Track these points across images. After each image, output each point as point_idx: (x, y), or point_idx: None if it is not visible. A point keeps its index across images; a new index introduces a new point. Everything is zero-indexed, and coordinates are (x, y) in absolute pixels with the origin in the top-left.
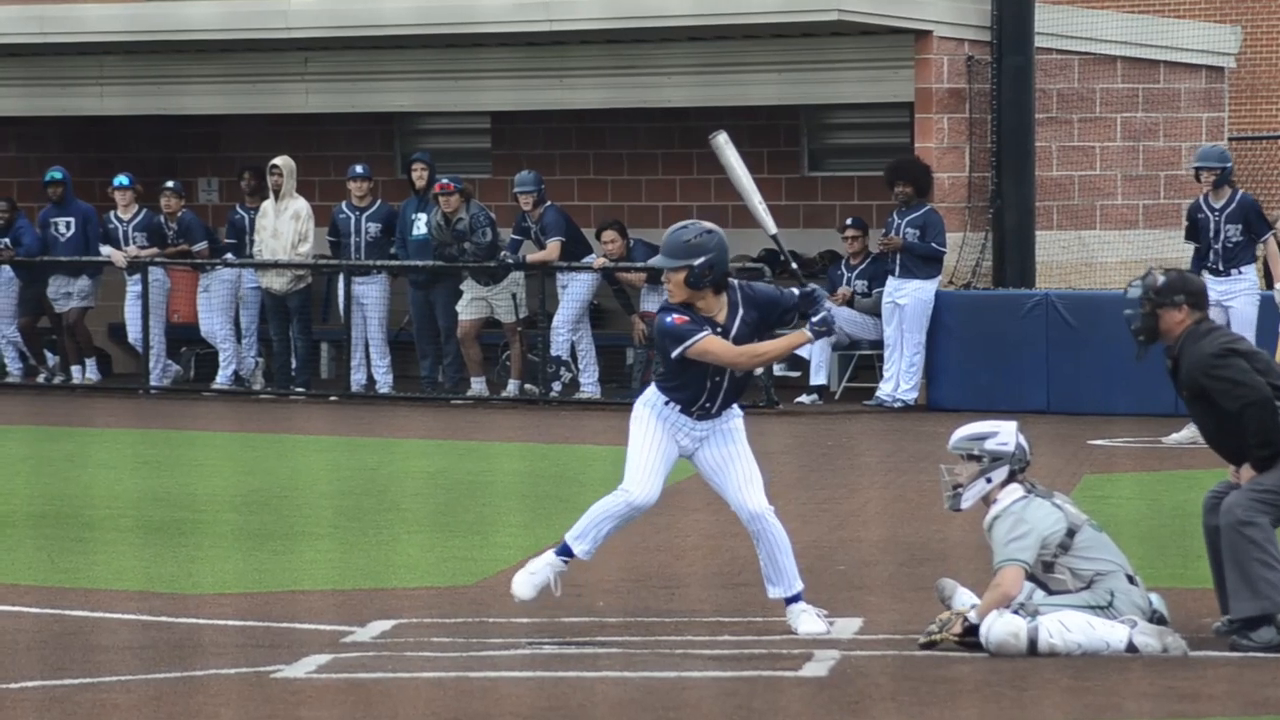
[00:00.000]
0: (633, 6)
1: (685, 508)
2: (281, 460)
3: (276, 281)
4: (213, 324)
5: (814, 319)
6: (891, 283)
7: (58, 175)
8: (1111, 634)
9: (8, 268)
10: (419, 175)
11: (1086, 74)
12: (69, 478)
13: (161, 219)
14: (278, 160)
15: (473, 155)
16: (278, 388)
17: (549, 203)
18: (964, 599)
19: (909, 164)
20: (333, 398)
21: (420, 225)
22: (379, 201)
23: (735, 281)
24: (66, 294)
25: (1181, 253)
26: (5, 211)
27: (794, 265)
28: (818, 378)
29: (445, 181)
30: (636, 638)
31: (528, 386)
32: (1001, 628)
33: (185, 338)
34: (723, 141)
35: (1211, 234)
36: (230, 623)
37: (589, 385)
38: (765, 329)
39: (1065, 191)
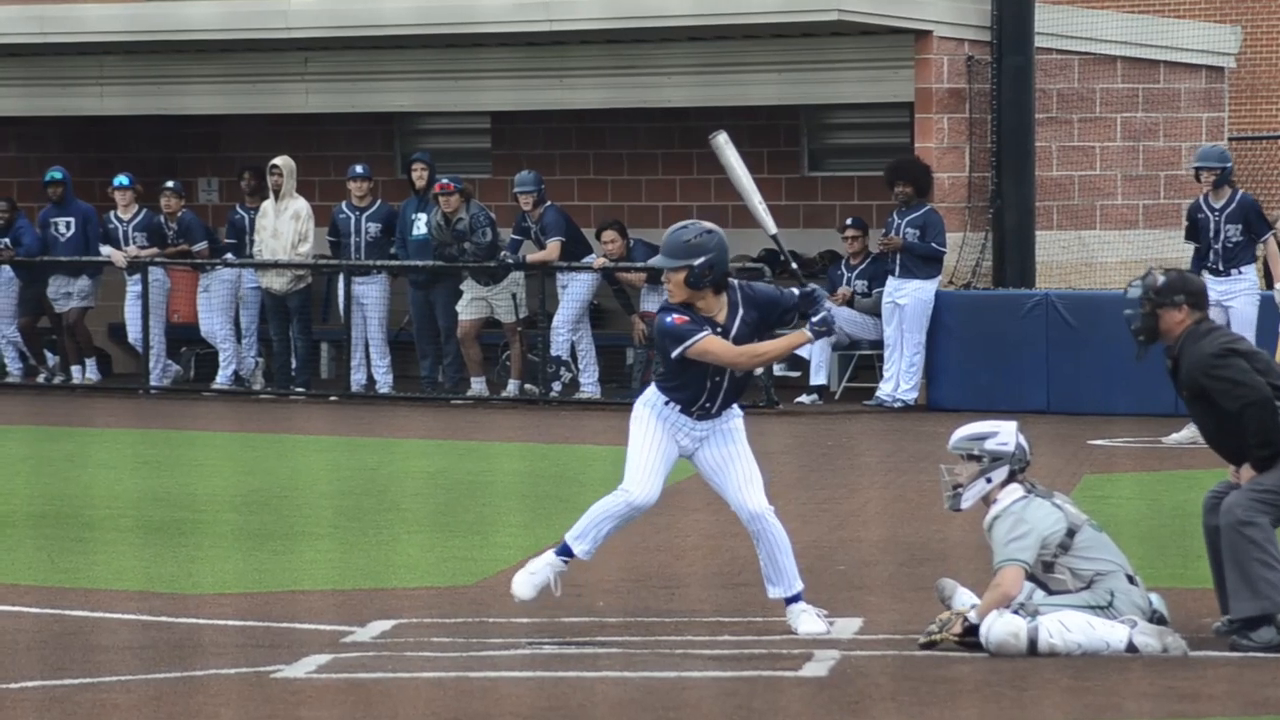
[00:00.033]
0: (633, 6)
1: (685, 508)
2: (281, 460)
3: (276, 281)
4: (213, 324)
5: (814, 319)
6: (891, 283)
7: (58, 175)
8: (1111, 634)
9: (8, 268)
10: (419, 175)
11: (1086, 74)
12: (69, 478)
13: (161, 219)
14: (278, 160)
15: (473, 155)
16: (278, 388)
17: (549, 203)
18: (964, 599)
19: (909, 164)
20: (333, 398)
21: (420, 225)
22: (379, 201)
23: (735, 281)
24: (66, 294)
25: (1181, 253)
26: (5, 211)
27: (794, 265)
28: (818, 378)
29: (445, 181)
30: (636, 638)
31: (528, 386)
32: (1001, 628)
33: (185, 338)
34: (723, 141)
35: (1211, 234)
36: (230, 623)
37: (589, 385)
38: (765, 329)
39: (1065, 191)
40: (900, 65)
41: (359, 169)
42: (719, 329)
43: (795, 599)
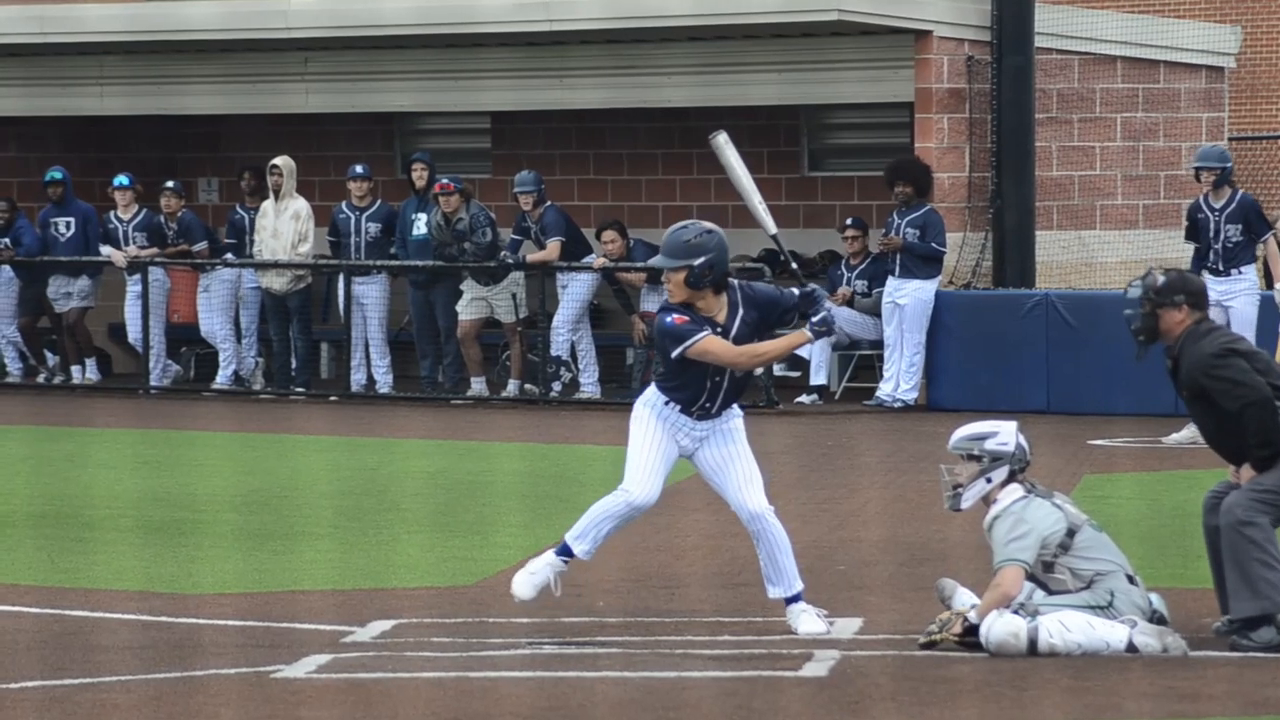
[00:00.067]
0: (633, 6)
1: (685, 508)
2: (281, 460)
3: (276, 281)
4: (213, 324)
5: (814, 319)
6: (891, 283)
7: (58, 175)
8: (1111, 634)
9: (8, 268)
10: (419, 175)
11: (1086, 74)
12: (69, 478)
13: (161, 219)
14: (278, 160)
15: (473, 155)
16: (278, 388)
17: (549, 203)
18: (964, 599)
19: (909, 164)
20: (333, 398)
21: (420, 225)
22: (379, 201)
23: (735, 281)
24: (66, 294)
25: (1181, 253)
26: (5, 211)
27: (794, 265)
28: (818, 378)
29: (445, 181)
30: (636, 638)
31: (528, 386)
32: (1001, 628)
33: (185, 338)
34: (723, 141)
35: (1211, 234)
36: (230, 623)
37: (589, 385)
38: (765, 329)
39: (1065, 191)
40: (900, 65)
41: (359, 169)
42: (719, 329)
43: (795, 599)
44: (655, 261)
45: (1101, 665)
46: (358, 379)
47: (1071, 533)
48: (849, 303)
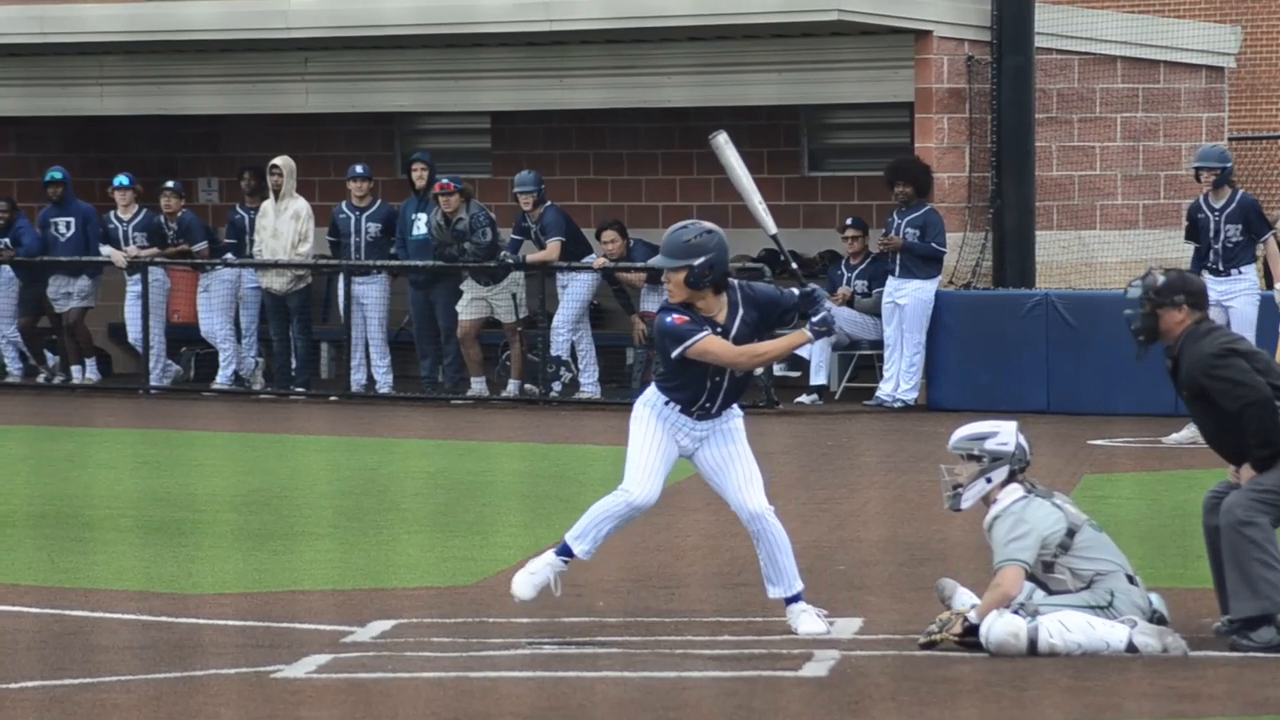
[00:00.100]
0: (633, 6)
1: (685, 508)
2: (281, 460)
3: (276, 281)
4: (213, 324)
5: (814, 319)
6: (892, 283)
7: (58, 175)
8: (1111, 634)
9: (8, 268)
10: (419, 175)
11: (1086, 74)
12: (69, 478)
13: (161, 219)
14: (278, 160)
15: (473, 155)
16: (278, 388)
17: (549, 203)
18: (964, 599)
19: (909, 164)
20: (333, 398)
21: (420, 225)
22: (379, 201)
23: (735, 281)
24: (66, 294)
25: (1181, 253)
26: (5, 211)
27: (793, 265)
28: (818, 378)
29: (445, 181)
30: (636, 638)
31: (528, 386)
32: (1001, 628)
33: (185, 338)
34: (722, 141)
35: (1211, 234)
36: (230, 623)
37: (589, 385)
38: (765, 329)
39: (1065, 191)
40: (900, 65)
41: (359, 169)
42: (719, 329)
43: (795, 599)
44: (655, 261)
45: (1101, 665)
46: (358, 379)
47: (1071, 533)
48: (849, 303)
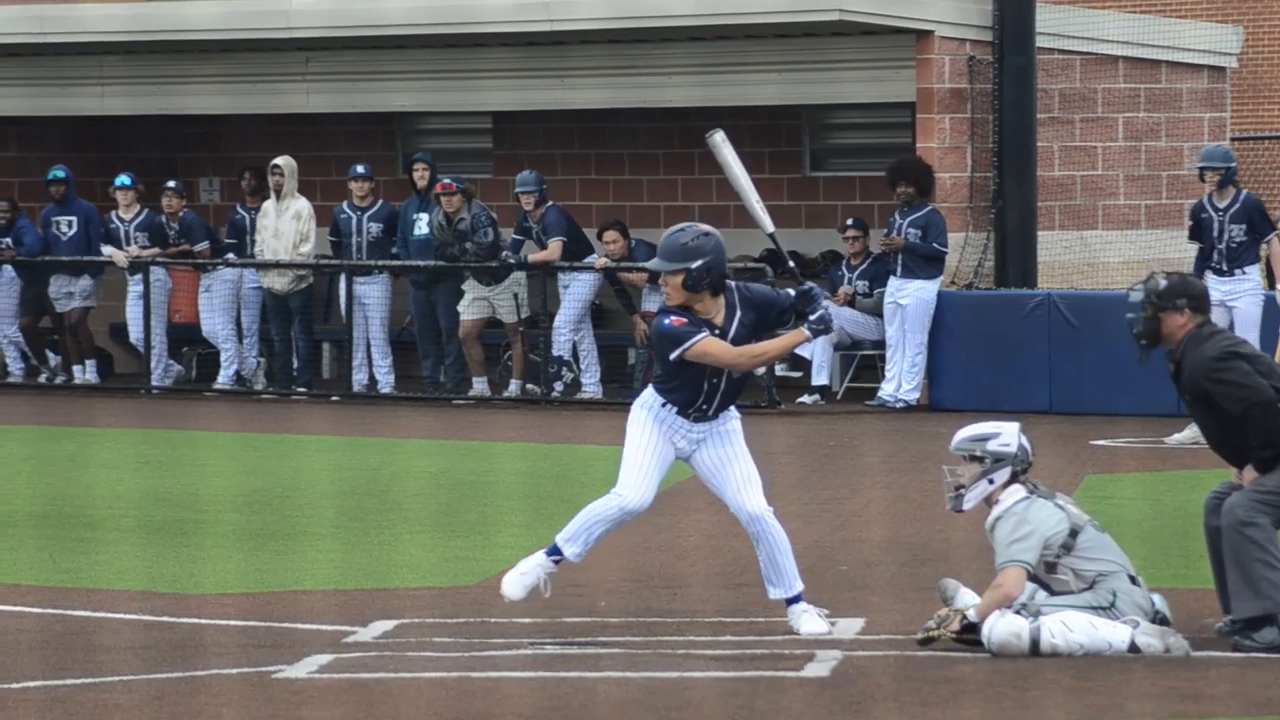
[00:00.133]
0: (634, 6)
1: (687, 508)
2: (283, 460)
3: (278, 281)
4: (214, 324)
5: (811, 317)
6: (893, 283)
7: (60, 174)
8: (1114, 634)
9: (9, 267)
10: (420, 175)
11: (1088, 74)
12: (71, 478)
13: (163, 219)
14: (279, 160)
15: (474, 155)
16: (279, 388)
17: (550, 203)
18: (966, 599)
19: (911, 164)
20: (334, 398)
21: (422, 225)
22: (380, 201)
23: (732, 283)
24: (68, 294)
25: (1184, 253)
26: (6, 211)
27: (791, 264)
28: (819, 378)
29: (447, 181)
30: (638, 638)
31: (529, 386)
32: (1004, 628)
33: (187, 338)
34: (720, 140)
35: (1215, 234)
36: (232, 623)
37: (591, 385)
38: (763, 329)
39: (1067, 191)
40: (902, 65)
41: (360, 169)
42: (716, 330)
43: (796, 600)
44: (652, 265)
45: (1104, 666)
46: (359, 379)
47: (1074, 533)
48: (850, 303)
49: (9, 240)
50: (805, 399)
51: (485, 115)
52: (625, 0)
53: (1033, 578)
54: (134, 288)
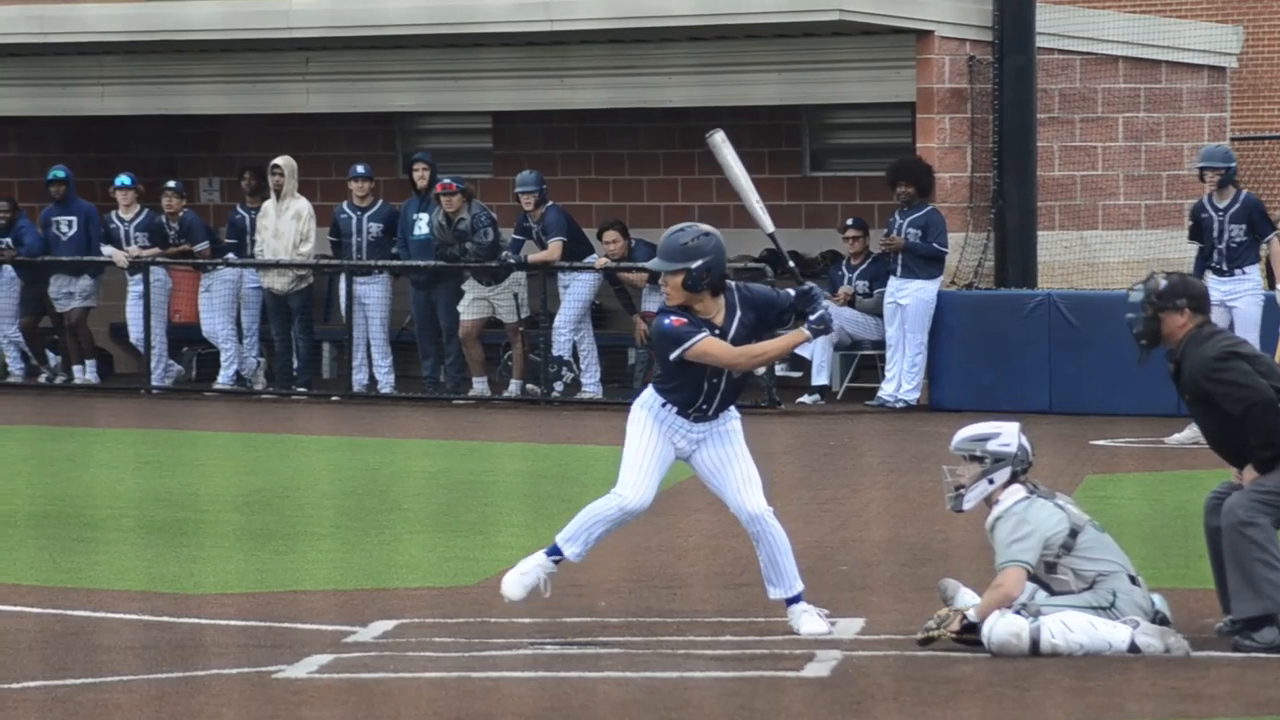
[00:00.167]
0: (634, 6)
1: (687, 508)
2: (283, 460)
3: (278, 281)
4: (214, 324)
5: (811, 317)
6: (893, 283)
7: (60, 174)
8: (1114, 634)
9: (9, 267)
10: (420, 175)
11: (1088, 74)
12: (71, 478)
13: (163, 219)
14: (279, 160)
15: (474, 155)
16: (279, 388)
17: (550, 203)
18: (966, 600)
19: (911, 164)
20: (334, 398)
21: (422, 225)
22: (380, 201)
23: (732, 283)
24: (68, 294)
25: (1184, 253)
26: (6, 211)
27: (791, 264)
28: (819, 378)
29: (447, 181)
30: (638, 638)
31: (530, 386)
32: (1004, 628)
33: (187, 338)
34: (719, 140)
35: (1215, 234)
36: (232, 623)
37: (591, 385)
38: (763, 330)
39: (1067, 191)
40: (902, 65)
41: (360, 169)
42: (716, 330)
43: (796, 600)
44: (652, 265)
45: (1104, 666)
46: (359, 379)
47: (1074, 533)
48: (850, 303)
49: (9, 240)
50: (805, 399)
51: (485, 115)
52: (625, 0)
53: (1033, 578)
54: (134, 288)
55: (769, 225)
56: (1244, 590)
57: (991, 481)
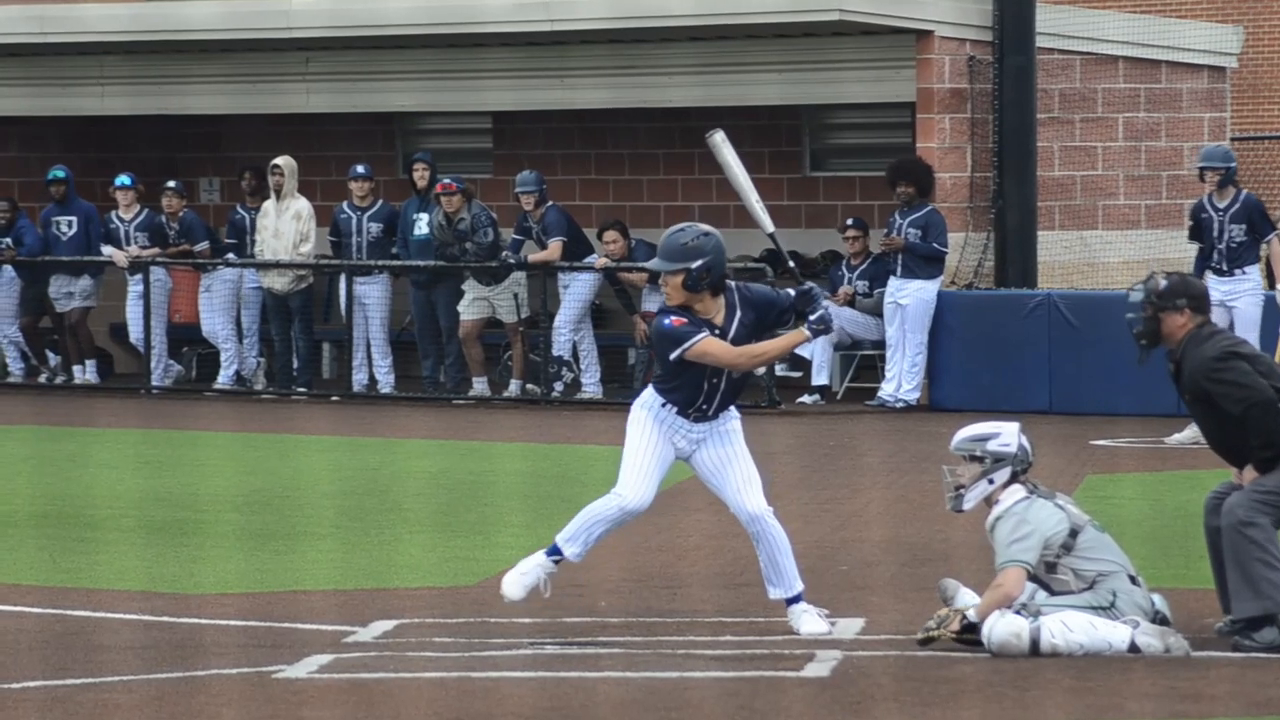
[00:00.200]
0: (634, 6)
1: (687, 508)
2: (283, 460)
3: (278, 281)
4: (214, 324)
5: (811, 317)
6: (894, 283)
7: (60, 174)
8: (1114, 634)
9: (9, 267)
10: (420, 175)
11: (1088, 74)
12: (71, 478)
13: (163, 219)
14: (279, 160)
15: (474, 155)
16: (279, 388)
17: (550, 203)
18: (966, 600)
19: (911, 164)
20: (334, 398)
21: (422, 225)
22: (380, 201)
23: (732, 283)
24: (68, 294)
25: (1184, 253)
26: (6, 211)
27: (791, 264)
28: (820, 378)
29: (447, 181)
30: (638, 638)
31: (529, 386)
32: (1004, 628)
33: (187, 338)
34: (719, 140)
35: (1215, 234)
36: (232, 623)
37: (591, 385)
38: (763, 330)
39: (1067, 191)
40: (902, 65)
41: (360, 169)
42: (716, 330)
43: (796, 600)
44: (652, 265)
45: (1104, 666)
46: (359, 379)
47: (1074, 533)
48: (850, 303)
49: (9, 240)
50: (805, 399)
51: (485, 115)
52: (625, 0)
53: (1033, 578)
54: (134, 288)
55: (769, 225)
56: (1244, 590)
57: (991, 481)
